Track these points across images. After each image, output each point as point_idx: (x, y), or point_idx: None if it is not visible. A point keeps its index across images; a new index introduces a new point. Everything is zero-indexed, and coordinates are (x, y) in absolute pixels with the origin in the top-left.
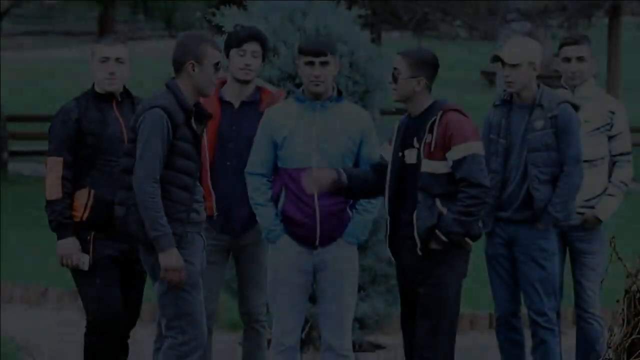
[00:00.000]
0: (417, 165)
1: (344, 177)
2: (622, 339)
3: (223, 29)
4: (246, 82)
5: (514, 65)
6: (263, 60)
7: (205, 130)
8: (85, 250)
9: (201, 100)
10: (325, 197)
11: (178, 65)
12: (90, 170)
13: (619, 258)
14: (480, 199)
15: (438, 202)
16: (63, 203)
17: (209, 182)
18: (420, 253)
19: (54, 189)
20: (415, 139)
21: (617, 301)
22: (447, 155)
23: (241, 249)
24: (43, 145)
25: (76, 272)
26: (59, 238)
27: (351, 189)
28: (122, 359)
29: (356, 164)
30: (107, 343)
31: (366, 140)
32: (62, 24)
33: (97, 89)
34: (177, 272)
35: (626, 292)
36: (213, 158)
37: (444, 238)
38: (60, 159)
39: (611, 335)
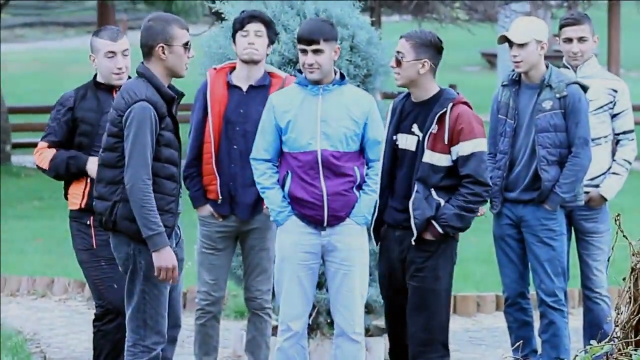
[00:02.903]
0: (416, 154)
1: None
2: (629, 317)
3: (223, 16)
4: (253, 63)
5: (521, 45)
6: (271, 42)
7: (208, 109)
8: (86, 234)
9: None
10: (331, 178)
11: (148, 50)
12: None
13: (624, 236)
14: (482, 197)
15: (434, 193)
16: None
17: (214, 166)
18: (413, 243)
19: (44, 163)
20: (415, 126)
21: (623, 279)
22: (453, 149)
23: (247, 234)
24: None
25: (82, 259)
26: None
27: None
28: None
29: (362, 147)
30: (117, 328)
31: (370, 122)
32: (61, 14)
33: (100, 79)
34: (170, 270)
35: (632, 270)
36: (219, 142)
37: (440, 230)
38: (45, 144)
39: (618, 314)
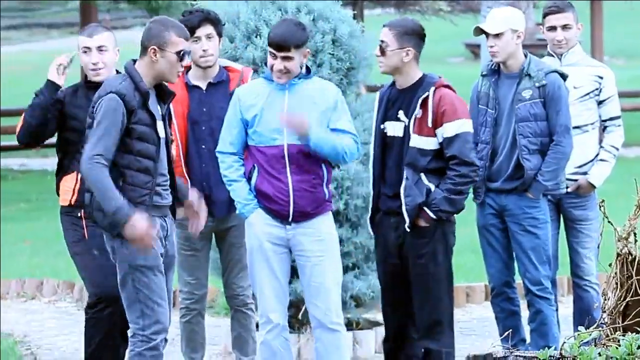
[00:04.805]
0: (403, 139)
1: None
2: (616, 302)
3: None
4: (209, 67)
5: (497, 35)
6: (220, 36)
7: (171, 112)
8: (78, 225)
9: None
10: (297, 173)
11: (142, 49)
12: (77, 154)
13: (609, 222)
14: (470, 178)
15: (424, 177)
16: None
17: (184, 167)
18: (408, 230)
19: (19, 126)
20: (401, 112)
21: (610, 265)
22: (438, 131)
23: (226, 232)
24: None
25: (74, 251)
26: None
27: None
28: (123, 350)
29: None
30: (110, 317)
31: (336, 112)
32: (45, 15)
33: (89, 77)
34: (143, 238)
35: (618, 255)
36: (186, 143)
37: (432, 215)
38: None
39: (605, 300)
